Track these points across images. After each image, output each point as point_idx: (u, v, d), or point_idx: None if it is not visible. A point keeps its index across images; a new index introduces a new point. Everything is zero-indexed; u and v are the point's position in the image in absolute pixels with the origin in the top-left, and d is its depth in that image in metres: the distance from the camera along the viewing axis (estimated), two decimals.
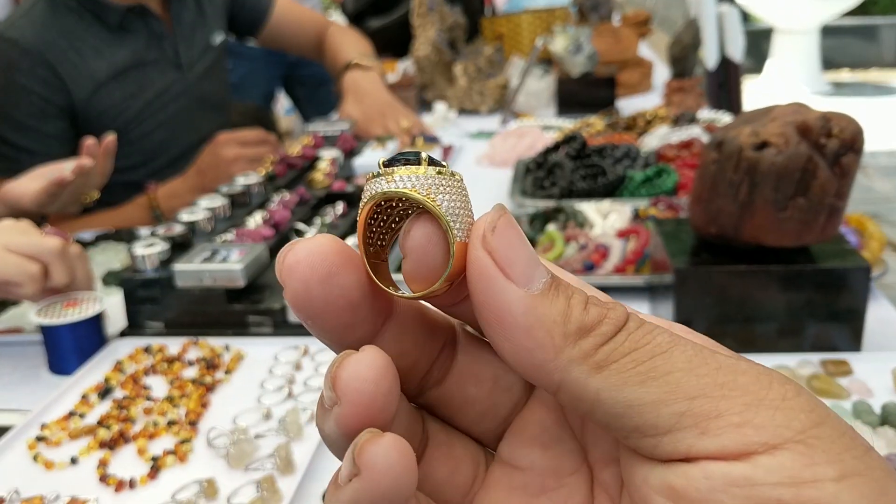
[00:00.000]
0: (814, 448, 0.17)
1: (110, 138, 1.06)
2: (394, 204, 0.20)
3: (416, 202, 0.19)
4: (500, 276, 0.19)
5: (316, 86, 3.08)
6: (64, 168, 0.99)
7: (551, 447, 0.22)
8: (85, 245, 1.07)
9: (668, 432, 0.18)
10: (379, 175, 0.20)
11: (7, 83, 1.21)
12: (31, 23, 1.23)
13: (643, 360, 0.18)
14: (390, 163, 0.20)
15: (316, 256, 0.19)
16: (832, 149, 0.62)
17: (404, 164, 0.19)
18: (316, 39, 1.68)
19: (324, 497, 0.56)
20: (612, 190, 1.10)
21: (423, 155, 0.20)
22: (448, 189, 0.19)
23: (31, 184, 0.99)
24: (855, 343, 0.69)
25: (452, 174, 0.20)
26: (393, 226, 0.21)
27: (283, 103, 3.62)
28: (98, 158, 1.04)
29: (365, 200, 0.20)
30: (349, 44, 1.63)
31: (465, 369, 0.22)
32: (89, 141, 1.03)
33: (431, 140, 1.42)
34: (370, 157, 1.24)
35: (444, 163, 0.20)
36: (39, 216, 1.05)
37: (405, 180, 0.19)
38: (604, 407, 0.18)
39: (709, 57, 1.83)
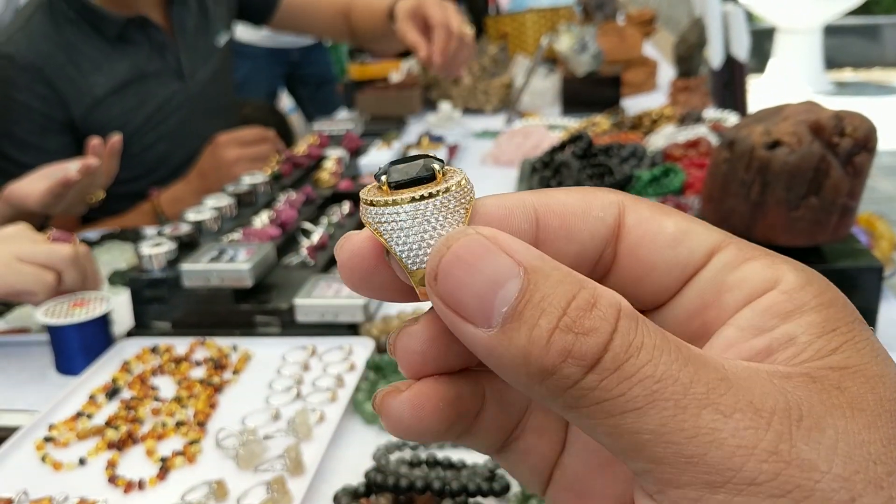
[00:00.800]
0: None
1: (116, 138, 1.05)
2: None
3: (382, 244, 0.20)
4: (457, 320, 0.18)
5: (318, 85, 3.08)
6: (69, 168, 0.99)
7: (545, 435, 0.23)
8: (90, 244, 1.07)
9: (637, 473, 0.18)
10: (373, 202, 0.20)
11: (5, 100, 1.19)
12: (27, 36, 1.20)
13: (613, 413, 0.17)
14: (397, 184, 0.20)
15: (356, 258, 0.21)
16: (845, 148, 0.62)
17: (412, 184, 0.20)
18: (338, 13, 1.54)
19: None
20: (619, 189, 1.09)
21: (437, 170, 0.20)
22: (410, 216, 0.19)
23: (36, 184, 0.99)
24: None
25: (428, 195, 0.19)
26: None
27: (285, 102, 3.62)
28: (104, 158, 1.03)
29: (365, 223, 0.21)
30: None
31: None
32: (95, 141, 1.02)
33: (437, 139, 1.42)
34: (375, 157, 1.23)
35: (435, 166, 0.20)
36: (43, 217, 1.05)
37: (368, 214, 0.20)
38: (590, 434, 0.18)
39: (714, 56, 1.83)
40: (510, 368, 0.18)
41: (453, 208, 0.20)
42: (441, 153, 1.31)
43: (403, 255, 0.20)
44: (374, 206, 0.20)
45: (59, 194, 0.99)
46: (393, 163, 0.20)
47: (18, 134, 1.20)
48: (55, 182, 0.97)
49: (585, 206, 0.21)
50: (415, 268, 0.20)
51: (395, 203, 0.19)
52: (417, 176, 0.20)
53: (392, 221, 0.20)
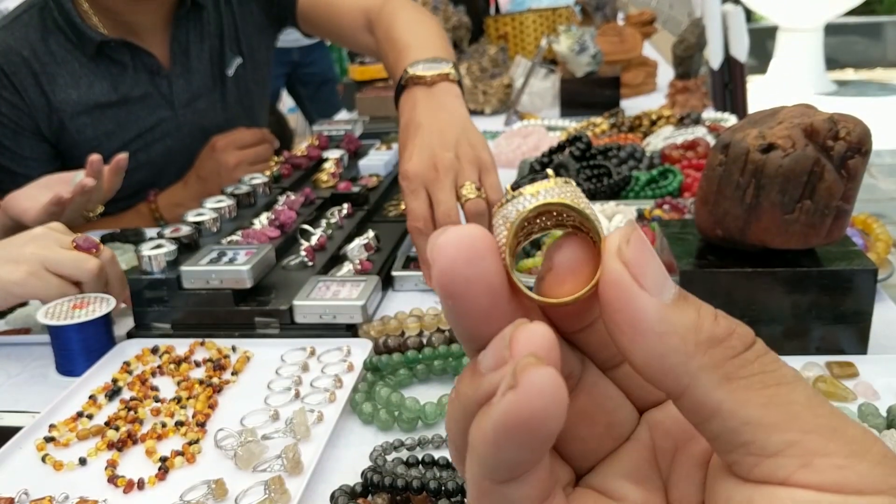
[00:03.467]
0: None
1: (121, 156, 1.02)
2: (526, 223, 0.22)
3: (573, 210, 0.21)
4: (635, 286, 0.20)
5: (318, 85, 3.08)
6: (67, 181, 0.99)
7: (642, 483, 0.23)
8: None
9: (772, 456, 0.19)
10: (514, 197, 0.22)
11: None
12: (4, 39, 1.15)
13: (769, 384, 0.19)
14: (517, 185, 0.22)
15: (466, 239, 0.20)
16: (839, 151, 0.62)
17: (532, 182, 0.22)
18: (361, 26, 1.25)
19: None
20: (617, 191, 1.10)
21: (550, 172, 0.22)
22: (580, 195, 0.22)
23: (36, 197, 0.97)
24: (861, 345, 0.69)
25: (568, 181, 0.22)
26: (519, 241, 0.23)
27: (285, 102, 3.63)
28: (105, 175, 1.01)
29: (517, 215, 0.21)
30: (410, 35, 1.08)
31: (582, 409, 0.23)
32: (94, 157, 0.99)
33: None
34: (375, 159, 1.24)
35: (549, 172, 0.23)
36: None
37: (550, 192, 0.21)
38: (721, 418, 0.19)
39: (713, 57, 1.83)
40: (680, 334, 0.20)
41: None
42: None
43: (598, 224, 0.22)
44: (556, 185, 0.22)
45: (53, 213, 0.97)
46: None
47: None
48: (48, 201, 0.96)
49: None
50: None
51: (566, 183, 0.22)
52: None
53: (579, 196, 0.22)
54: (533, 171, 1.19)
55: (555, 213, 0.22)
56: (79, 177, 0.98)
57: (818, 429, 0.19)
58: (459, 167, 0.87)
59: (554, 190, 0.21)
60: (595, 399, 0.24)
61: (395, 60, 1.05)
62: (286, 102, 3.63)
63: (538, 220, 0.22)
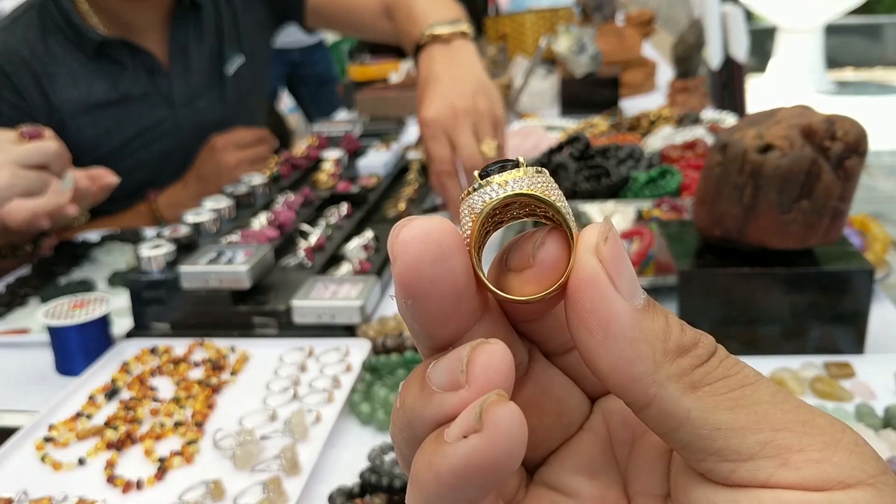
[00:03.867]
0: (883, 492, 0.18)
1: (112, 180, 1.00)
2: (496, 212, 0.21)
3: (541, 202, 0.20)
4: (610, 287, 0.19)
5: (319, 85, 3.08)
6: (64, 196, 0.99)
7: (597, 477, 0.23)
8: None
9: (749, 459, 0.19)
10: (481, 186, 0.20)
11: None
12: (3, 39, 1.15)
13: (734, 387, 0.19)
14: (486, 173, 0.21)
15: (433, 234, 0.19)
16: (836, 152, 0.62)
17: (501, 171, 0.20)
18: (380, 13, 1.29)
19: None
20: (615, 191, 1.10)
21: (521, 159, 0.21)
22: (553, 186, 0.21)
23: (21, 203, 0.97)
24: (858, 345, 0.69)
25: (541, 171, 0.21)
26: (487, 231, 0.21)
27: (286, 102, 3.63)
28: (94, 188, 0.99)
29: (483, 206, 0.20)
30: (429, 9, 1.12)
31: (530, 399, 0.23)
32: (109, 179, 0.99)
33: None
34: (374, 158, 1.24)
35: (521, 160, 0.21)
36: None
37: (519, 182, 0.20)
38: (691, 426, 0.19)
39: (713, 57, 1.83)
40: (650, 341, 0.19)
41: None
42: None
43: (568, 217, 0.20)
44: (525, 175, 0.20)
45: (34, 225, 0.93)
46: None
47: None
48: (32, 215, 0.94)
49: None
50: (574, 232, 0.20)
51: (538, 173, 0.21)
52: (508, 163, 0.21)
53: (552, 189, 0.20)
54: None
55: (525, 203, 0.21)
56: (67, 182, 0.96)
57: (788, 424, 0.19)
58: (478, 116, 0.90)
59: (524, 180, 0.20)
60: (543, 387, 0.23)
61: (413, 30, 1.09)
62: (286, 102, 3.63)
63: (508, 210, 0.21)
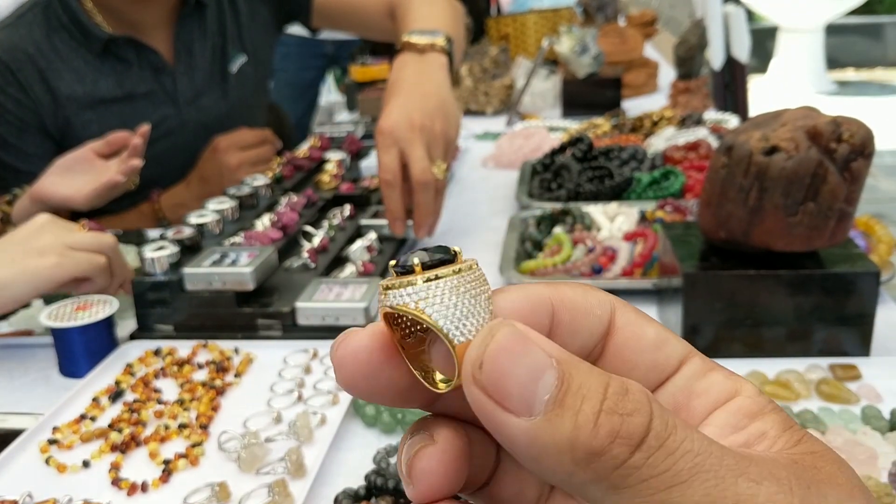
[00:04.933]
0: None
1: (144, 127, 1.02)
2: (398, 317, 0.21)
3: (411, 316, 0.20)
4: (497, 410, 0.18)
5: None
6: (84, 160, 1.01)
7: None
8: None
9: None
10: (386, 289, 0.20)
11: None
12: (10, 36, 1.16)
13: (660, 488, 0.18)
14: (402, 268, 0.20)
15: (361, 354, 0.20)
16: (842, 154, 0.62)
17: (400, 275, 0.20)
18: (385, 13, 1.31)
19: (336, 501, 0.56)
20: (619, 192, 1.10)
21: (416, 260, 0.20)
22: (447, 292, 0.20)
23: (71, 182, 1.00)
24: (864, 347, 0.69)
25: (458, 271, 0.20)
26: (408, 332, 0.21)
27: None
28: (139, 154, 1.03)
29: (379, 311, 0.21)
30: (420, 13, 1.15)
31: (504, 495, 0.23)
32: (136, 140, 1.01)
33: None
34: (376, 160, 1.24)
35: (453, 251, 0.20)
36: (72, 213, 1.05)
37: (401, 296, 0.20)
38: None
39: (715, 57, 1.83)
40: (553, 456, 0.18)
41: (483, 286, 0.20)
42: None
43: (448, 330, 0.20)
44: (409, 285, 0.20)
45: (103, 196, 1.02)
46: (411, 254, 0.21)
47: None
48: (102, 185, 1.00)
49: (587, 304, 0.22)
50: (458, 342, 0.20)
51: (437, 277, 0.20)
52: (441, 258, 0.20)
53: (433, 297, 0.20)
54: (537, 173, 1.19)
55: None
56: (114, 166, 1.00)
57: None
58: (432, 135, 0.93)
59: (419, 291, 0.20)
60: (521, 478, 0.23)
61: (402, 33, 1.09)
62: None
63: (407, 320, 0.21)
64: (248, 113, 1.38)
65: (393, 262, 0.21)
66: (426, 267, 0.20)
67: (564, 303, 0.22)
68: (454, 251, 0.20)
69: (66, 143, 1.20)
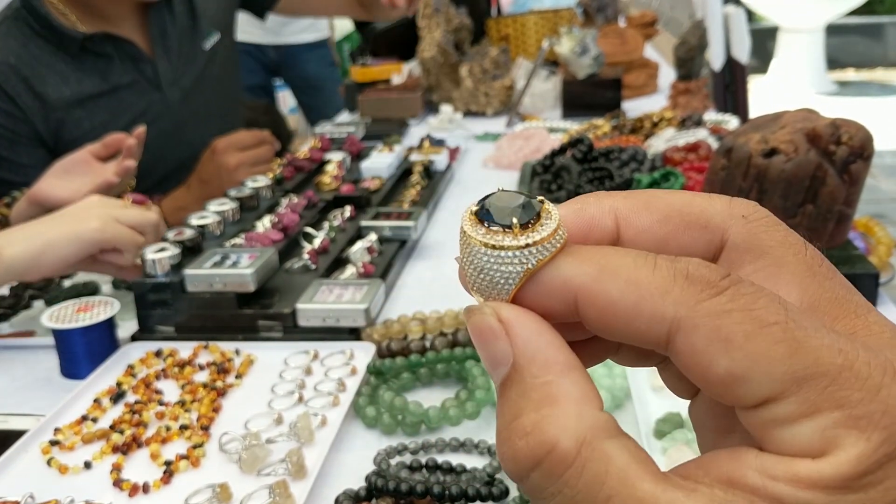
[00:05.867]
0: None
1: (140, 130, 1.04)
2: None
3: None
4: None
5: (315, 88, 3.07)
6: (82, 161, 1.02)
7: None
8: None
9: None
10: (516, 249, 0.21)
11: None
12: None
13: None
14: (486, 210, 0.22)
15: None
16: (841, 156, 0.62)
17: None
18: None
19: None
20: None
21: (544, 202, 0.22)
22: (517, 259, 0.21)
23: (68, 185, 1.01)
24: None
25: (537, 241, 0.21)
26: None
27: (287, 102, 3.63)
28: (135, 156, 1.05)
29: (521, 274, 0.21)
30: None
31: None
32: (130, 141, 1.02)
33: (438, 142, 1.43)
34: (377, 160, 1.24)
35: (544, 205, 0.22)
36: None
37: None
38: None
39: (715, 58, 1.83)
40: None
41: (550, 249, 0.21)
42: (442, 156, 1.32)
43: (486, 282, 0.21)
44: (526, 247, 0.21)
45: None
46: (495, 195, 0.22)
47: None
48: (98, 186, 1.00)
49: (698, 217, 0.22)
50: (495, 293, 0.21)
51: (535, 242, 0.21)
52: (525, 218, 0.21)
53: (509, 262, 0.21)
54: (534, 173, 1.20)
55: None
56: (113, 169, 1.02)
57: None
58: None
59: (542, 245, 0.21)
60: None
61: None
62: (287, 102, 3.62)
63: None
64: (228, 90, 1.47)
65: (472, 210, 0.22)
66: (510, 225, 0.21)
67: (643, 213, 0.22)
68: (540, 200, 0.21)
69: (60, 144, 1.22)
